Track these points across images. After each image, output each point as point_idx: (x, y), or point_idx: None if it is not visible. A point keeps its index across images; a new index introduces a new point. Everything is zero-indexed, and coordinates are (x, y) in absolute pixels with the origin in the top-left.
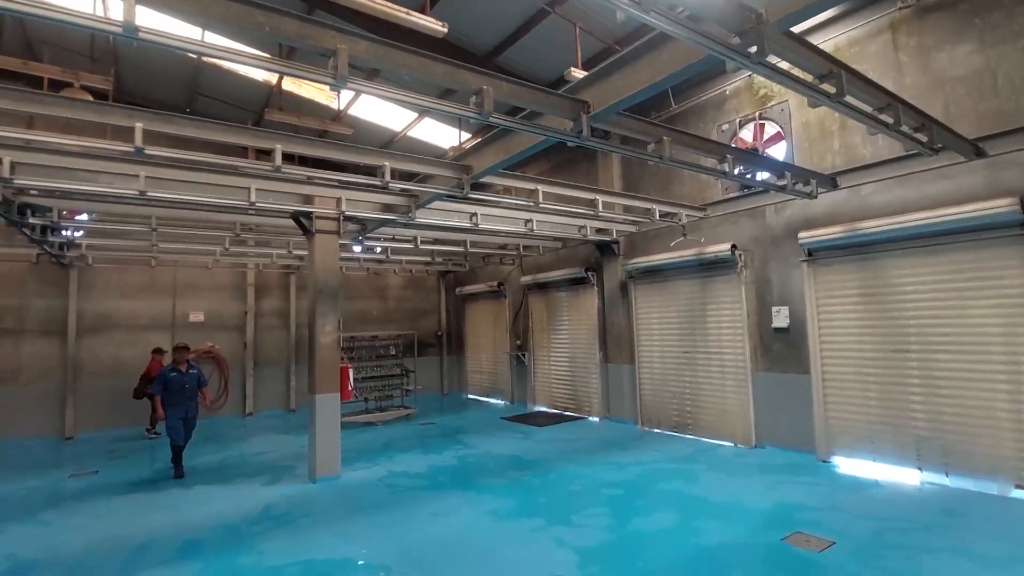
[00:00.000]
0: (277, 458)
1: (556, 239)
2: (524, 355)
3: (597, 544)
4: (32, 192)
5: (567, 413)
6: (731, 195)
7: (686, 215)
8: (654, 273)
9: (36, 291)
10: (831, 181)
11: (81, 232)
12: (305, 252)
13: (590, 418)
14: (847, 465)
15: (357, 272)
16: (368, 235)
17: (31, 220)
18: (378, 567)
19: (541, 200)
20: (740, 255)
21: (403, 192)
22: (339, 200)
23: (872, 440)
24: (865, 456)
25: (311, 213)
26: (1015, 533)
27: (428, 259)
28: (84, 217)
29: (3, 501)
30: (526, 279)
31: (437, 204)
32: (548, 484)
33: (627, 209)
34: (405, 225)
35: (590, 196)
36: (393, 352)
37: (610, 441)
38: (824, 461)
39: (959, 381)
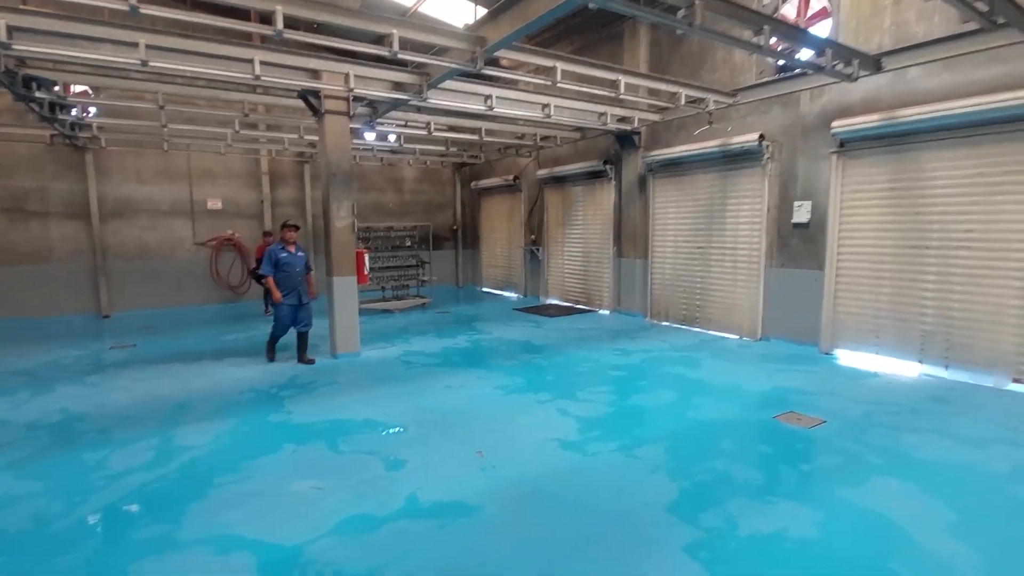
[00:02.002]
0: None
1: (575, 128)
2: (538, 249)
3: (598, 415)
4: (33, 62)
5: (578, 306)
6: (765, 79)
7: (714, 101)
8: (674, 166)
9: (55, 174)
10: (875, 62)
11: (94, 111)
12: (317, 138)
13: (600, 311)
14: (849, 358)
15: (371, 162)
16: (380, 119)
17: (38, 95)
18: (395, 427)
19: (560, 79)
20: (767, 146)
21: (414, 69)
22: (347, 76)
23: (877, 334)
24: (868, 349)
25: (319, 91)
26: (999, 419)
27: (443, 149)
28: (83, 88)
29: (51, 366)
30: (542, 172)
31: (451, 85)
32: (556, 366)
33: (652, 93)
34: (418, 109)
35: (612, 77)
36: (409, 244)
37: (618, 331)
38: (826, 353)
39: (973, 278)
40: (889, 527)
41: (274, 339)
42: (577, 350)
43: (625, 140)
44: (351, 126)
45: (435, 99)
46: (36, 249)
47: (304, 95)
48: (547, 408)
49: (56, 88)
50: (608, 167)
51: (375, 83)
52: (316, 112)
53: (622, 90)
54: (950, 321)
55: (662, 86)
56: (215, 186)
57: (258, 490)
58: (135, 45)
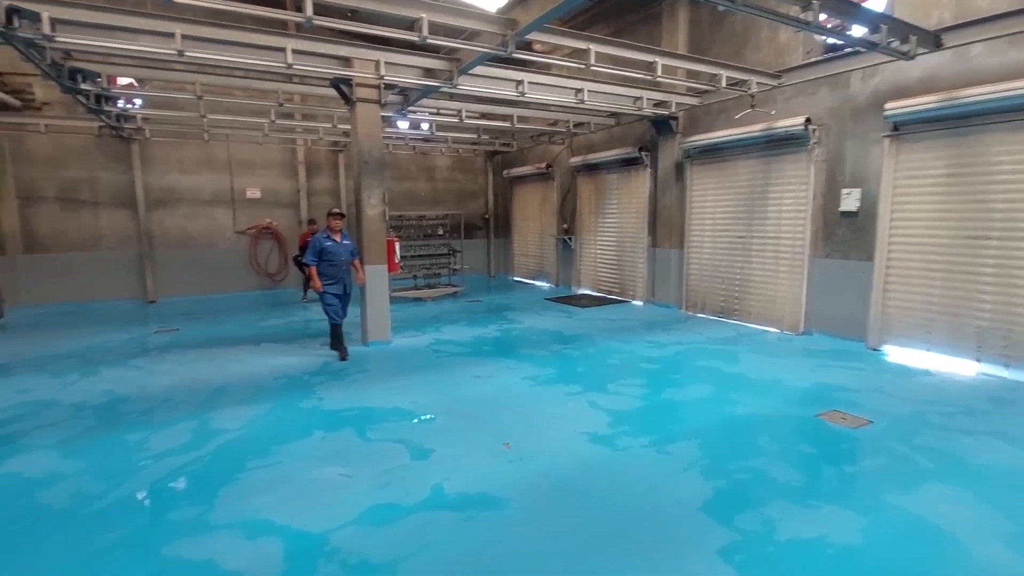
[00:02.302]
0: None
1: (609, 114)
2: (571, 239)
3: (629, 408)
4: (79, 54)
5: (611, 296)
6: (812, 59)
7: (757, 83)
8: (713, 152)
9: (104, 164)
10: (934, 39)
11: (140, 103)
12: (350, 127)
13: (633, 302)
14: (898, 354)
15: (404, 151)
16: (411, 107)
17: (83, 87)
18: (423, 416)
19: (593, 61)
20: (814, 130)
21: (444, 55)
22: (378, 63)
23: (929, 330)
24: (919, 346)
25: (351, 79)
26: None
27: (474, 137)
28: (126, 80)
29: (97, 349)
30: (575, 160)
31: (482, 71)
32: (587, 357)
33: (690, 75)
34: (450, 96)
35: (649, 59)
36: (440, 232)
37: (652, 323)
38: (874, 349)
39: None
40: (940, 536)
41: (336, 330)
42: (609, 341)
43: (662, 125)
44: (383, 114)
45: (466, 85)
46: (87, 237)
47: (336, 83)
48: (577, 400)
49: (99, 80)
50: (643, 154)
51: (406, 70)
52: (348, 100)
53: (659, 72)
54: (1012, 317)
55: (702, 68)
56: (254, 176)
57: (287, 475)
58: (171, 35)
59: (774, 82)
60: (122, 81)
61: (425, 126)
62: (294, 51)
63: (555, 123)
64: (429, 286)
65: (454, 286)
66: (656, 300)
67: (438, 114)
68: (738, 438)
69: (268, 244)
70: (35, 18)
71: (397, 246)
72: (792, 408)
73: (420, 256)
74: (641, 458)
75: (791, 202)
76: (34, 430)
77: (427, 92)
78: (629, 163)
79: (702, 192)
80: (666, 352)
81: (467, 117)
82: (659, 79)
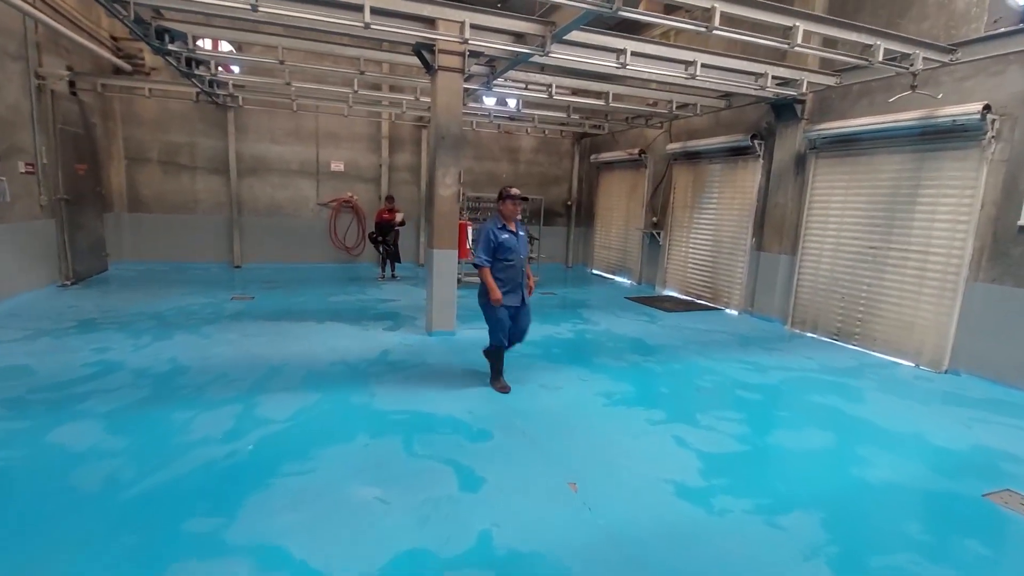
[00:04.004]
0: (402, 307)
1: (721, 95)
2: (659, 233)
3: (726, 452)
4: (165, 11)
5: (700, 301)
6: (1000, 29)
7: (923, 58)
8: (848, 143)
9: (202, 131)
10: None
11: (237, 69)
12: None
13: (727, 310)
14: None
15: (488, 129)
16: (498, 79)
17: (171, 47)
18: (479, 432)
19: (718, 23)
20: (993, 121)
21: (537, 18)
22: (463, 25)
23: None
24: None
25: (434, 45)
26: None
27: (563, 116)
28: (227, 48)
29: (177, 312)
30: (674, 146)
31: (579, 37)
32: (672, 374)
33: (829, 45)
34: (541, 69)
35: (788, 22)
36: (519, 217)
37: (750, 338)
38: None
39: None
40: None
41: (496, 353)
42: (698, 357)
43: (783, 110)
44: (468, 87)
45: (559, 52)
46: (184, 200)
47: (419, 49)
48: (660, 433)
49: (184, 42)
50: (756, 142)
51: (493, 35)
52: (429, 68)
53: (799, 40)
54: None
55: (853, 36)
56: (339, 148)
57: (320, 490)
58: None
59: (946, 58)
60: (223, 48)
61: (512, 103)
62: (372, 8)
63: (655, 103)
64: None
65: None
66: (755, 311)
67: (526, 89)
68: (876, 517)
69: (348, 218)
70: None
71: (470, 230)
72: (945, 479)
73: None
74: (745, 530)
75: (948, 210)
76: (94, 394)
77: (516, 62)
78: (737, 152)
79: (827, 190)
80: (768, 379)
81: (557, 93)
82: (791, 49)
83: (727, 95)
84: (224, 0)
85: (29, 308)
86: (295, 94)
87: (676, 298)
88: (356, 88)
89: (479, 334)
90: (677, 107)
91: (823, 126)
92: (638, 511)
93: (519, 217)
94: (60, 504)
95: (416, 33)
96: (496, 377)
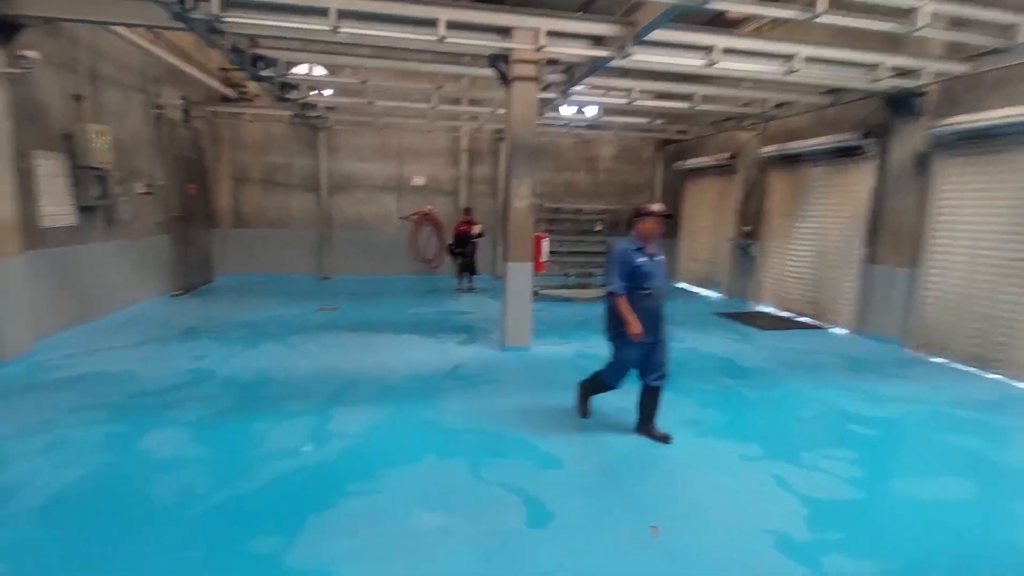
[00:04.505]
0: (477, 320)
1: (826, 91)
2: (752, 244)
3: (837, 500)
4: (259, 39)
5: (800, 319)
6: None
7: None
8: (984, 140)
9: (297, 151)
10: None
11: (330, 92)
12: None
13: (833, 329)
14: None
15: (566, 139)
16: (576, 86)
17: (264, 73)
18: (550, 458)
19: (826, 7)
20: None
21: (617, 18)
22: (537, 32)
23: None
24: None
25: (508, 56)
26: None
27: (646, 121)
28: (303, 69)
29: (268, 321)
30: (768, 149)
31: (662, 36)
32: (769, 402)
33: (956, 25)
34: (621, 73)
35: (910, 2)
36: (598, 228)
37: (861, 362)
38: None
39: None
40: None
41: (599, 387)
42: (799, 382)
43: (899, 104)
44: (545, 96)
45: (641, 54)
46: (280, 216)
47: (494, 61)
48: (756, 470)
49: (277, 67)
50: (868, 141)
51: (570, 41)
52: (505, 79)
53: (923, 22)
54: None
55: (990, 15)
56: (420, 163)
57: (382, 514)
58: (325, 13)
59: None
60: (314, 72)
61: (590, 111)
62: (447, 23)
63: (747, 103)
64: (581, 286)
65: None
66: (867, 330)
67: (606, 95)
68: None
69: (427, 230)
70: None
71: (545, 243)
72: None
73: (574, 253)
74: None
75: None
76: (185, 402)
77: (594, 67)
78: (845, 153)
79: (958, 193)
80: (887, 411)
81: (639, 98)
82: (912, 34)
83: (832, 90)
84: (307, 24)
85: (142, 316)
86: (379, 113)
87: (772, 314)
88: (434, 103)
89: (554, 350)
90: (773, 106)
91: (951, 120)
92: (730, 566)
93: (657, 234)
94: (136, 515)
95: (490, 44)
96: (584, 401)
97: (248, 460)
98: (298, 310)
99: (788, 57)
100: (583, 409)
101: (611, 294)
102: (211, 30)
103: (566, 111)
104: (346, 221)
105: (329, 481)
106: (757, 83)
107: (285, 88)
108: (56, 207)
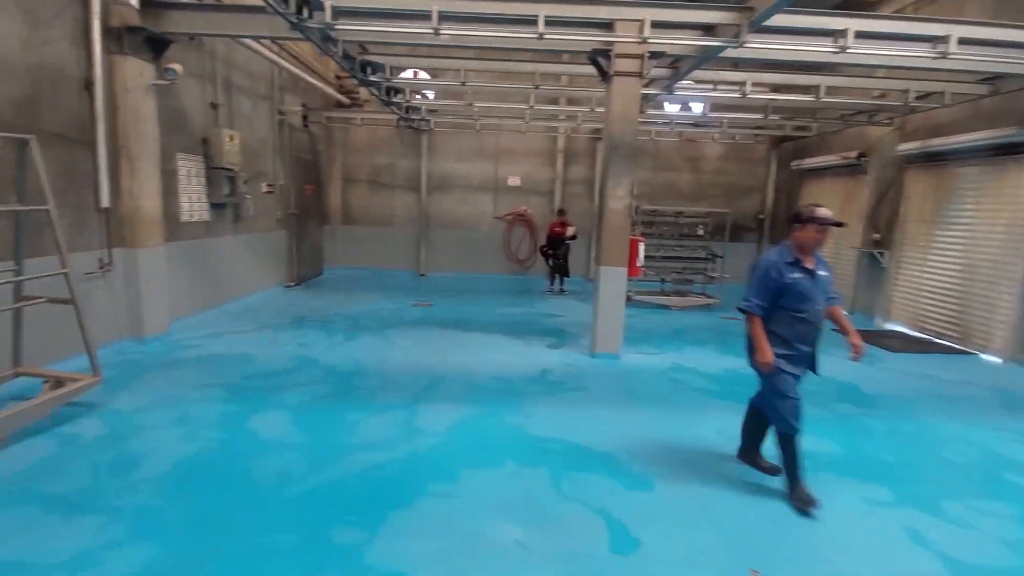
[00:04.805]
0: (566, 323)
1: (984, 78)
2: (883, 253)
3: (991, 565)
4: (368, 46)
5: (941, 341)
6: None
7: None
8: None
9: (401, 153)
10: None
11: (430, 95)
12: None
13: (984, 355)
14: None
15: (668, 138)
16: (682, 80)
17: (372, 78)
18: (638, 479)
19: None
20: None
21: (731, 3)
22: (642, 24)
23: None
24: None
25: (610, 50)
26: None
27: (759, 118)
28: (408, 74)
29: (368, 315)
30: (908, 147)
31: (782, 20)
32: (901, 438)
33: None
34: (734, 64)
35: None
36: (700, 232)
37: (1022, 398)
38: None
39: None
40: None
41: (788, 445)
42: (939, 416)
43: None
44: (647, 92)
45: (757, 42)
46: (384, 215)
47: (594, 56)
48: (884, 518)
49: (382, 73)
50: None
51: (678, 32)
52: (605, 75)
53: None
54: None
55: None
56: (516, 164)
57: (459, 519)
58: (428, 16)
59: None
60: (417, 76)
61: (696, 107)
62: (547, 19)
63: (882, 95)
64: (678, 293)
65: (709, 297)
66: None
67: (715, 89)
68: None
69: (521, 231)
70: (319, 6)
71: (642, 247)
72: None
73: (671, 258)
74: None
75: None
76: (289, 387)
77: (703, 59)
78: (1004, 151)
79: None
80: None
81: (753, 91)
82: None
83: (992, 77)
84: (411, 28)
85: (260, 304)
86: (477, 114)
87: (906, 335)
88: (532, 103)
89: (647, 360)
90: (915, 97)
91: None
92: None
93: (821, 243)
94: (240, 493)
95: (591, 39)
96: (795, 483)
97: (340, 448)
98: (395, 305)
99: (939, 39)
100: (803, 496)
101: (743, 311)
102: (325, 38)
103: (669, 108)
104: (443, 220)
105: (411, 478)
106: (896, 71)
107: (391, 92)
108: (193, 204)
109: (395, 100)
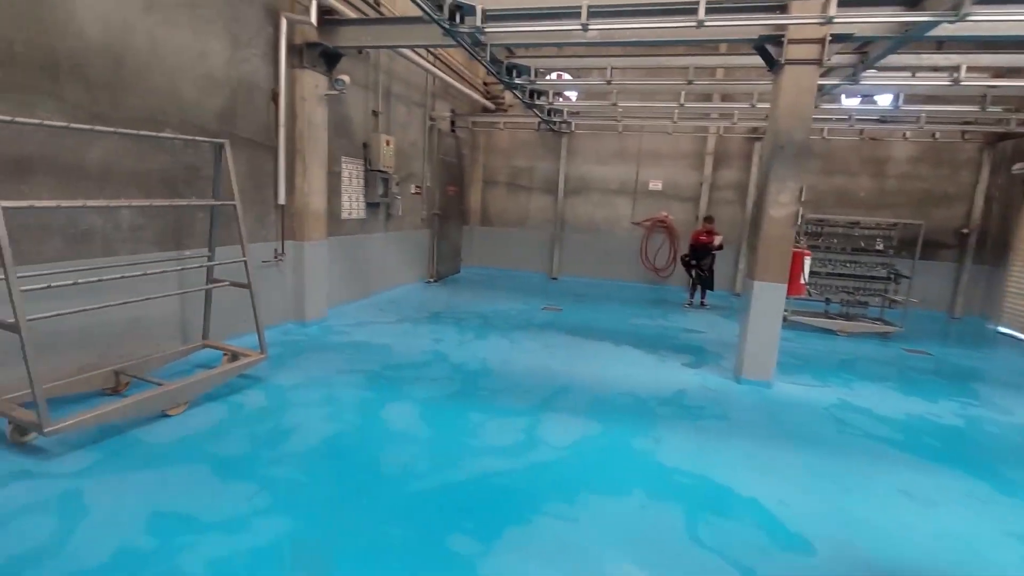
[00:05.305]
0: (706, 341)
1: None
2: None
3: None
4: (517, 48)
5: None
6: None
7: None
8: None
9: (540, 156)
10: None
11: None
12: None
13: None
14: None
15: (844, 136)
16: (870, 68)
17: (517, 81)
18: (795, 539)
19: None
20: None
21: None
22: (827, 2)
23: None
24: None
25: (781, 36)
26: None
27: (973, 109)
28: (554, 76)
29: (498, 315)
30: None
31: None
32: None
33: None
34: (938, 45)
35: None
36: (880, 247)
37: None
38: None
39: None
40: None
41: None
42: None
43: None
44: (824, 82)
45: (984, 13)
46: (519, 216)
47: (762, 44)
48: None
49: (527, 75)
50: None
51: (872, 9)
52: (772, 65)
53: None
54: None
55: None
56: (659, 167)
57: (578, 549)
58: (577, 14)
59: None
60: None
61: (883, 99)
62: (708, 5)
63: None
64: (846, 316)
65: (888, 324)
66: None
67: (913, 76)
68: None
69: (660, 238)
70: (471, 11)
71: (807, 261)
72: None
73: (841, 276)
74: None
75: None
76: (421, 381)
77: (903, 40)
78: None
79: None
80: None
81: (968, 78)
82: None
83: None
84: (559, 26)
85: (403, 298)
86: (621, 115)
87: None
88: (682, 101)
89: (805, 393)
90: None
91: None
92: None
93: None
94: (366, 480)
95: (760, 23)
96: None
97: (461, 449)
98: (524, 306)
99: None
100: None
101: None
102: (474, 43)
103: (846, 101)
104: (578, 223)
105: (530, 493)
106: None
107: (534, 95)
108: (352, 203)
109: (538, 103)
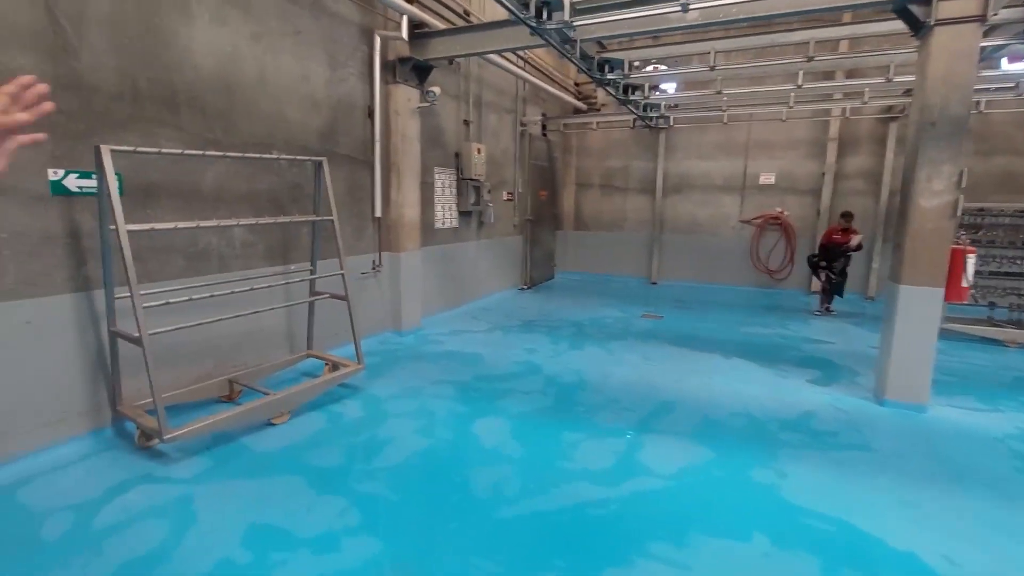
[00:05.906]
0: (836, 354)
1: None
2: None
3: None
4: (606, 42)
5: None
6: None
7: None
8: None
9: (635, 154)
10: None
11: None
12: (912, 77)
13: None
14: None
15: (1008, 109)
16: None
17: (609, 76)
18: None
19: None
20: None
21: None
22: None
23: None
24: None
25: None
26: None
27: None
28: (650, 69)
29: (594, 323)
30: None
31: None
32: None
33: None
34: None
35: None
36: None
37: None
38: None
39: None
40: None
41: None
42: None
43: None
44: (984, 43)
45: None
46: (615, 219)
47: (903, 5)
48: None
49: (621, 69)
50: None
51: None
52: (919, 27)
53: None
54: None
55: None
56: (771, 158)
57: None
58: None
59: None
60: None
61: None
62: None
63: None
64: (1017, 324)
65: None
66: None
67: None
68: None
69: (773, 236)
70: (559, 5)
71: (971, 260)
72: None
73: (1009, 275)
74: None
75: None
76: (513, 394)
77: None
78: None
79: None
80: None
81: None
82: None
83: None
84: (654, 10)
85: (496, 305)
86: (726, 104)
87: None
88: (800, 82)
89: (971, 419)
90: None
91: None
92: None
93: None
94: (457, 501)
95: None
96: None
97: (554, 472)
98: (622, 314)
99: None
100: None
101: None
102: (563, 40)
103: (1008, 66)
104: (679, 224)
105: (631, 529)
106: None
107: (628, 91)
108: (445, 212)
109: (632, 98)
